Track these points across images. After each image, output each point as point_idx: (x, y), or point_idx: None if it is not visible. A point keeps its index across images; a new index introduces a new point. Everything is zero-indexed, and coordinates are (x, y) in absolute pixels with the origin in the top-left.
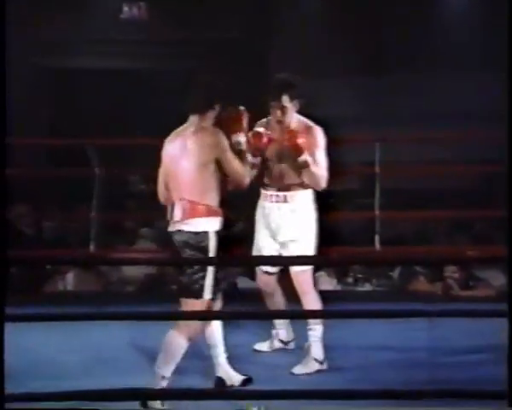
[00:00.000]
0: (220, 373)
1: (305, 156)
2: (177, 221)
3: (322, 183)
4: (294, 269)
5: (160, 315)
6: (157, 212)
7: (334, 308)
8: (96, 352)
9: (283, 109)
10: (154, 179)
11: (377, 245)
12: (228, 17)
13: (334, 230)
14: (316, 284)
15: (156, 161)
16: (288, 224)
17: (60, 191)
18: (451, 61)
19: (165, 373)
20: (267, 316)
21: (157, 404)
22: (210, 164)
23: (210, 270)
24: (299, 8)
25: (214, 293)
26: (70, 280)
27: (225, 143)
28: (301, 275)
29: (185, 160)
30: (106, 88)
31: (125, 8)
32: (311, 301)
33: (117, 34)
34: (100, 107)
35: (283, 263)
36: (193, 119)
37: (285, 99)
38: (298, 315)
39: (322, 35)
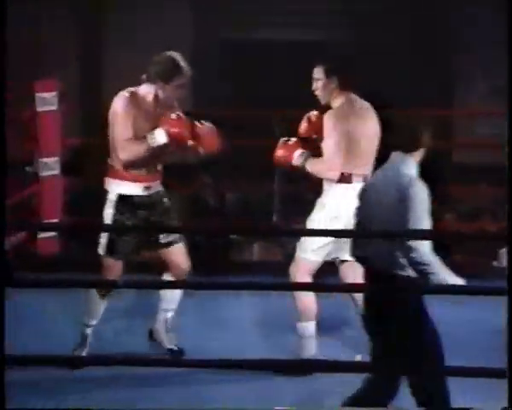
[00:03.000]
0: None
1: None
2: None
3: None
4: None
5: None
6: None
7: None
8: None
9: (317, 82)
10: None
11: None
12: None
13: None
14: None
15: None
16: None
17: (243, 163)
18: None
19: None
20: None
21: None
22: None
23: None
24: None
25: None
26: (256, 250)
27: None
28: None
29: None
30: (286, 59)
31: None
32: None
33: (295, 5)
34: (280, 79)
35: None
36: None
37: (317, 71)
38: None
39: None
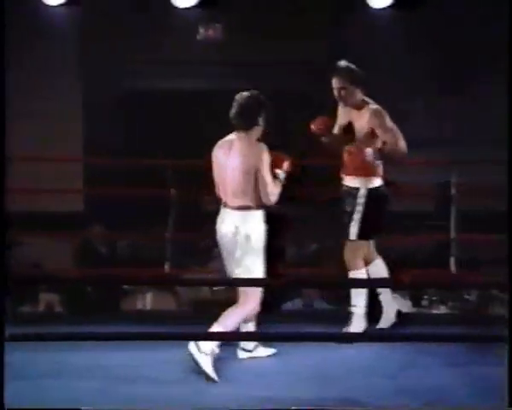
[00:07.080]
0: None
1: None
2: None
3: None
4: None
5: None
6: None
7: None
8: None
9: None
10: None
11: (453, 268)
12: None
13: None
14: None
15: None
16: None
17: (134, 212)
18: None
19: None
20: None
21: None
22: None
23: None
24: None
25: None
26: (148, 300)
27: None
28: None
29: None
30: (181, 109)
31: (201, 30)
32: None
33: (192, 55)
34: (174, 128)
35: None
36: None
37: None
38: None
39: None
